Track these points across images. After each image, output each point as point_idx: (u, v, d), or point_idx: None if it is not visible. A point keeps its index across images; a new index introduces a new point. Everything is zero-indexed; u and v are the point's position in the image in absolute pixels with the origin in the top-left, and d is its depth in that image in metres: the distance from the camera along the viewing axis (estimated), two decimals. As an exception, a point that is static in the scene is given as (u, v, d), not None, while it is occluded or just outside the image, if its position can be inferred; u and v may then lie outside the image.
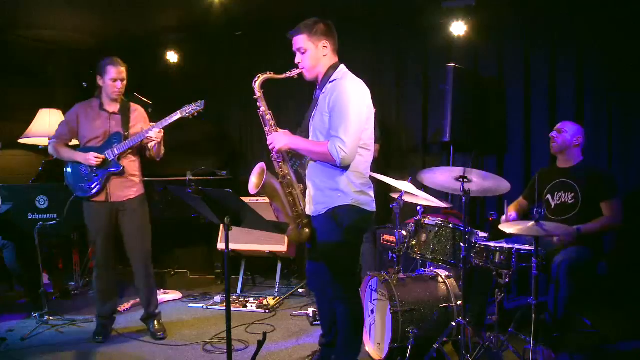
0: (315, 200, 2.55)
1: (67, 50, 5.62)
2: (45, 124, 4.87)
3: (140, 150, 3.45)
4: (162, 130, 3.29)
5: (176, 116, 3.27)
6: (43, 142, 4.98)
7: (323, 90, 2.54)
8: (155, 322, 3.52)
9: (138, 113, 3.46)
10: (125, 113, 3.37)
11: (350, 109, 2.41)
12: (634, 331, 3.38)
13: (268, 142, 2.55)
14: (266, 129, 2.61)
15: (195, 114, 3.27)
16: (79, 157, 3.29)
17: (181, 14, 4.86)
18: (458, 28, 4.33)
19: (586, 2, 3.99)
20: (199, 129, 5.01)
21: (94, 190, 3.30)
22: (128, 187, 3.37)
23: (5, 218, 3.86)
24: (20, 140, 4.94)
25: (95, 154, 3.24)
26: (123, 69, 3.31)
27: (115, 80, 3.28)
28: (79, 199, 3.41)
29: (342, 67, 2.58)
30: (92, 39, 5.38)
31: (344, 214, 2.47)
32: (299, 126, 2.69)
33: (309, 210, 2.59)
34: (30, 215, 3.97)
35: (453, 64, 4.16)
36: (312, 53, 2.51)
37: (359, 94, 2.49)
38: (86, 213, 3.39)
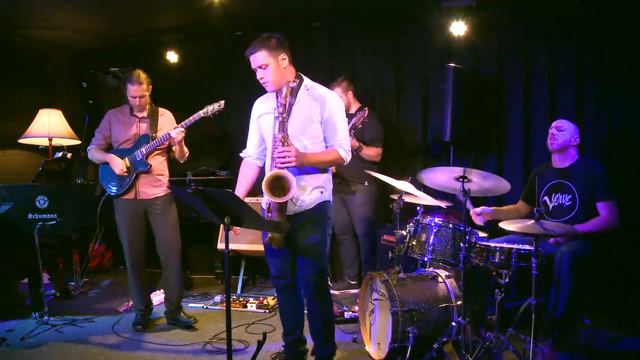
0: (300, 199, 2.64)
1: (67, 50, 5.62)
2: (45, 124, 4.87)
3: (168, 151, 3.68)
4: (184, 131, 3.46)
5: (198, 116, 3.42)
6: (43, 142, 4.98)
7: (297, 98, 2.65)
8: (182, 313, 3.73)
9: (165, 116, 3.68)
10: (153, 117, 3.62)
11: (342, 115, 2.71)
12: (634, 331, 3.38)
13: (287, 155, 2.50)
14: (280, 135, 2.56)
15: (217, 113, 3.40)
16: (110, 159, 3.53)
17: (181, 14, 4.86)
18: (458, 28, 4.33)
19: (586, 2, 3.99)
20: (199, 128, 5.01)
21: (123, 188, 3.53)
22: (156, 186, 3.59)
23: (5, 218, 3.86)
24: (20, 140, 4.94)
25: (122, 168, 3.47)
26: (140, 87, 3.49)
27: (134, 97, 3.50)
28: (110, 197, 3.64)
29: (303, 76, 2.75)
30: (92, 39, 5.38)
31: (327, 209, 2.73)
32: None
33: (291, 210, 2.65)
34: (30, 215, 3.96)
35: (453, 64, 4.17)
36: (274, 67, 2.62)
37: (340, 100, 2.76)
38: (117, 211, 3.62)
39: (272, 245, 2.65)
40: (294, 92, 2.65)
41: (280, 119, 2.56)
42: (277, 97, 2.64)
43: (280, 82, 2.63)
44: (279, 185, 2.49)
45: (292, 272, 2.81)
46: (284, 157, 2.50)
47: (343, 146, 2.65)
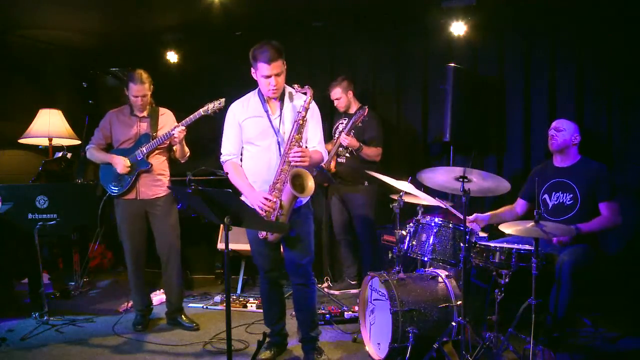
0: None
1: (67, 50, 5.61)
2: (45, 124, 4.87)
3: (169, 150, 3.67)
4: (185, 129, 3.46)
5: (199, 114, 3.43)
6: (43, 142, 4.98)
7: (284, 103, 2.80)
8: (183, 316, 3.71)
9: (166, 116, 3.68)
10: (154, 116, 3.61)
11: (320, 118, 2.91)
12: (634, 331, 3.38)
13: (304, 155, 2.65)
14: (297, 136, 2.70)
15: (217, 111, 3.41)
16: (112, 159, 3.52)
17: (181, 14, 4.86)
18: (458, 28, 4.33)
19: (586, 2, 3.99)
20: (198, 128, 5.01)
21: (124, 188, 3.52)
22: (156, 186, 3.58)
23: (5, 218, 3.86)
24: (20, 140, 4.94)
25: (126, 164, 3.47)
26: (143, 87, 3.49)
27: (136, 96, 3.50)
28: (111, 197, 3.63)
29: None
30: (92, 39, 5.38)
31: (310, 204, 2.94)
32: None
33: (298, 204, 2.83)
34: (30, 215, 3.96)
35: (453, 64, 4.17)
36: (284, 75, 2.76)
37: None
38: (117, 211, 3.61)
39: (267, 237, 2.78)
40: (281, 96, 2.80)
41: (301, 122, 2.69)
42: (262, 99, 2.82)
43: (282, 89, 2.79)
44: (297, 183, 2.63)
45: (280, 265, 2.98)
46: (301, 157, 2.64)
47: (323, 147, 2.88)
